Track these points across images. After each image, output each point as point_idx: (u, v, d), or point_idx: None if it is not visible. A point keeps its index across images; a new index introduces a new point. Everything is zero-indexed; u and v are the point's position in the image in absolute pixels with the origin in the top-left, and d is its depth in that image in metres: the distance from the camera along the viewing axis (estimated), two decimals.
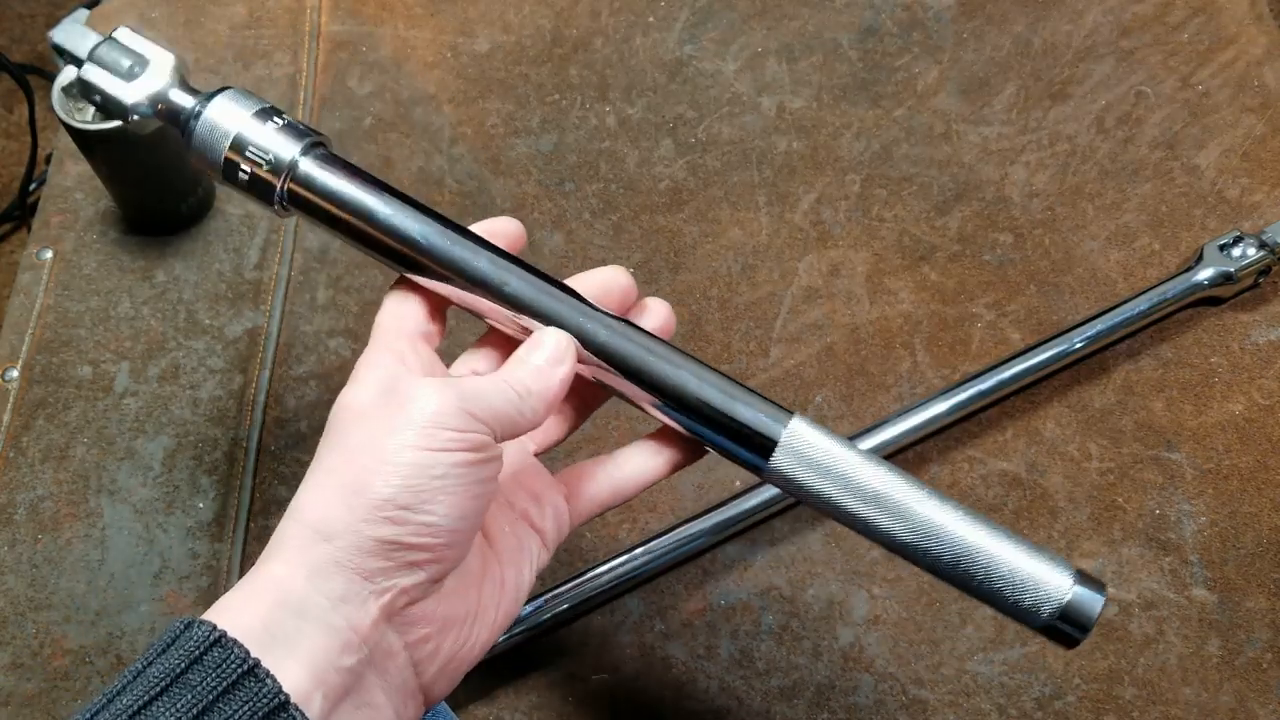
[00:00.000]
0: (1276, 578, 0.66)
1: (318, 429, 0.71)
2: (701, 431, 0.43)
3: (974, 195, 0.80)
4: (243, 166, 0.42)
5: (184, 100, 0.44)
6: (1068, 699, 0.63)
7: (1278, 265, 0.74)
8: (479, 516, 0.37)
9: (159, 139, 0.70)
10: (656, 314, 0.46)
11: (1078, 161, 0.81)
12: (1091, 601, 0.40)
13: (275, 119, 0.42)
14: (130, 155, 0.70)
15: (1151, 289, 0.73)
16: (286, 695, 0.31)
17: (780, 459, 0.42)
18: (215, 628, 0.32)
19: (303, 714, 0.31)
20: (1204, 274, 0.73)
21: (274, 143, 0.42)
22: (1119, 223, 0.78)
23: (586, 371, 0.44)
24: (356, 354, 0.75)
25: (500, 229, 0.45)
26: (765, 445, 0.42)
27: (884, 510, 0.41)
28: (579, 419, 0.48)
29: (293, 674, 0.32)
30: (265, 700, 0.31)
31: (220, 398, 0.72)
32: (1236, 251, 0.73)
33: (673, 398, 0.43)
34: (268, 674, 0.32)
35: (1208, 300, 0.74)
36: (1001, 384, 0.70)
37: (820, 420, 0.72)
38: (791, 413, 0.43)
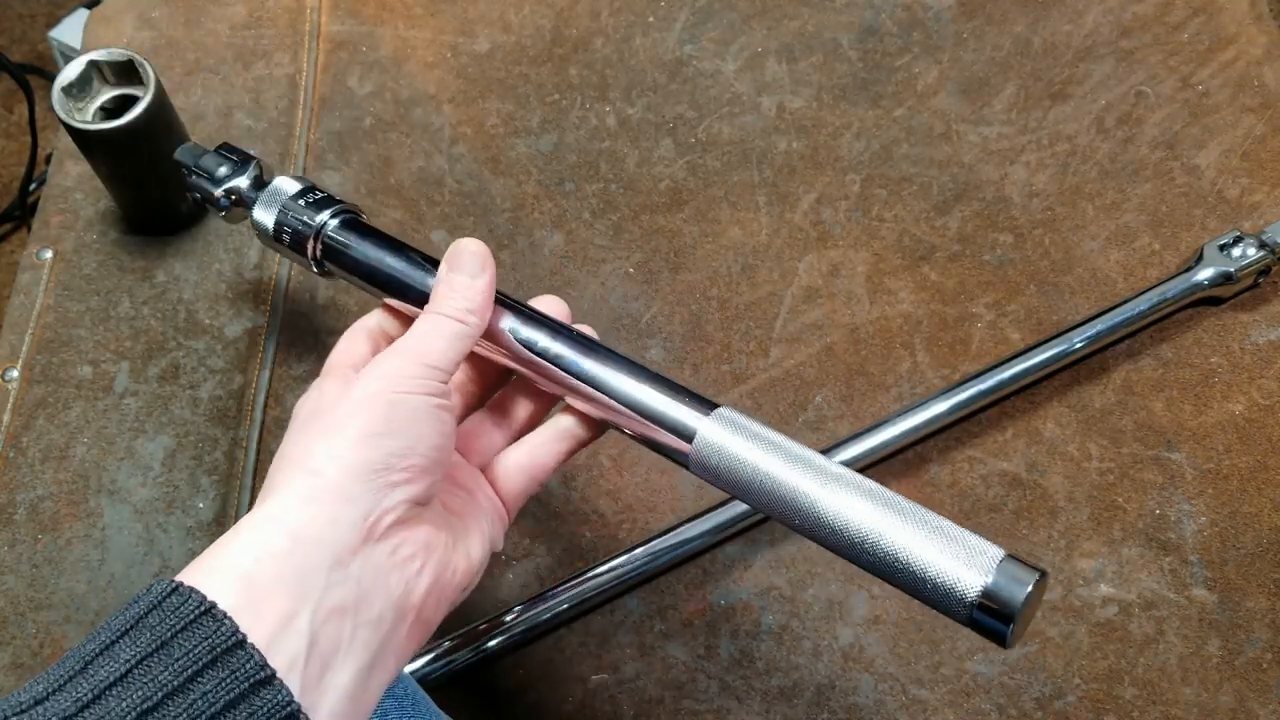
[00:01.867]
0: (1276, 578, 0.66)
1: None
2: (633, 430, 0.47)
3: (974, 195, 0.80)
4: (284, 236, 0.53)
5: (249, 191, 0.59)
6: (1068, 699, 0.63)
7: (1278, 265, 0.74)
8: (446, 453, 0.41)
9: (159, 139, 0.70)
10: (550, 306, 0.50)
11: (1078, 161, 0.81)
12: (1013, 587, 0.36)
13: (313, 194, 0.53)
14: (130, 155, 0.70)
15: (1151, 289, 0.73)
16: (244, 635, 0.33)
17: (700, 447, 0.44)
18: (172, 582, 0.34)
19: (258, 651, 0.32)
20: (1204, 274, 0.73)
21: (306, 213, 0.52)
22: (1119, 223, 0.78)
23: (527, 371, 0.48)
24: None
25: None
26: (685, 435, 0.45)
27: (802, 495, 0.41)
28: (484, 397, 0.52)
29: (280, 598, 0.34)
30: (224, 638, 0.32)
31: (220, 398, 0.72)
32: (1236, 251, 0.73)
33: (603, 392, 0.46)
34: (223, 614, 0.33)
35: (1208, 300, 0.74)
36: (1001, 384, 0.70)
37: (820, 420, 0.72)
38: (715, 405, 0.45)
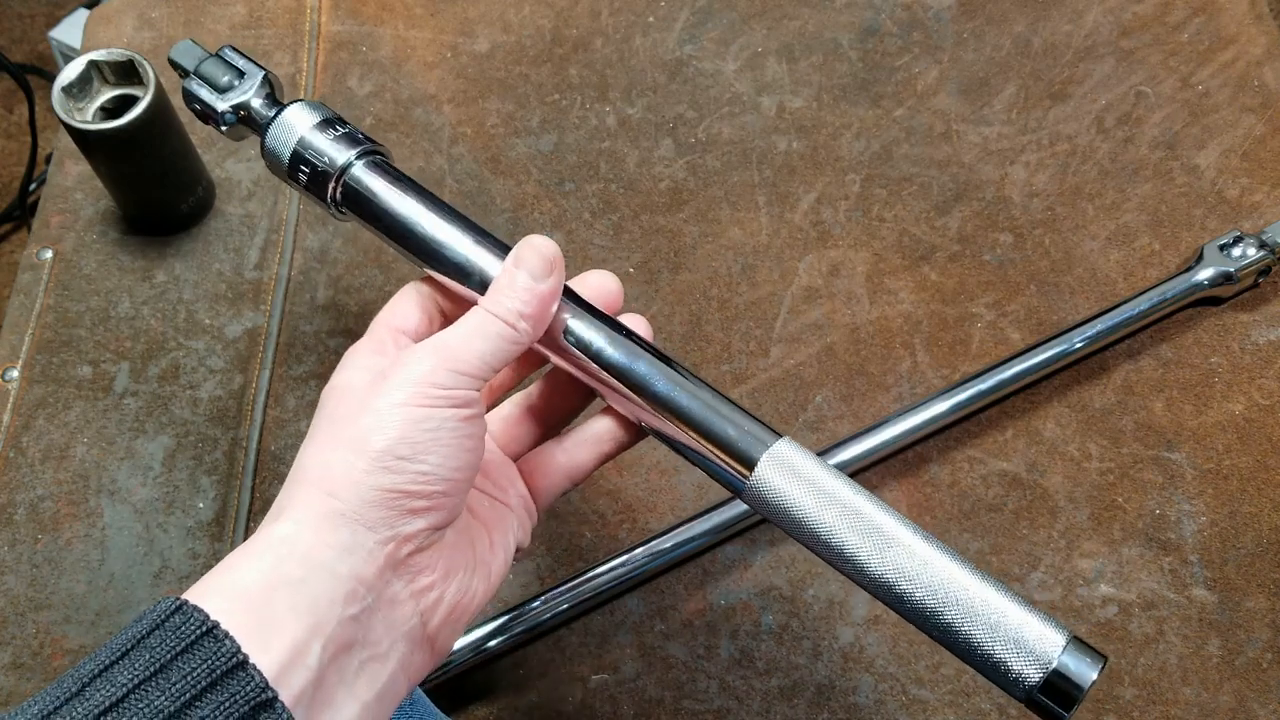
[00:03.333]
0: (1276, 578, 0.66)
1: None
2: (684, 449, 0.44)
3: (974, 195, 0.80)
4: (302, 169, 0.46)
5: (262, 109, 0.49)
6: None
7: (1278, 265, 0.74)
8: (472, 469, 0.39)
9: (158, 139, 0.70)
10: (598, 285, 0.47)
11: (1078, 161, 0.81)
12: (1082, 671, 0.36)
13: (337, 127, 0.47)
14: (130, 155, 0.70)
15: (1151, 289, 0.73)
16: (245, 656, 0.32)
17: (759, 480, 0.41)
18: (176, 599, 0.33)
19: (260, 673, 0.32)
20: (1204, 274, 0.73)
21: (330, 148, 0.46)
22: (1119, 223, 0.78)
23: (578, 372, 0.45)
24: None
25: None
26: (747, 463, 0.42)
27: (862, 540, 0.39)
28: (526, 373, 0.50)
29: (292, 628, 0.33)
30: (224, 660, 0.32)
31: (220, 398, 0.72)
32: (1236, 251, 0.73)
33: (665, 409, 0.43)
34: (225, 634, 0.32)
35: (1208, 300, 0.74)
36: (1001, 384, 0.70)
37: (820, 420, 0.72)
38: (779, 435, 0.42)
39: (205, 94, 0.50)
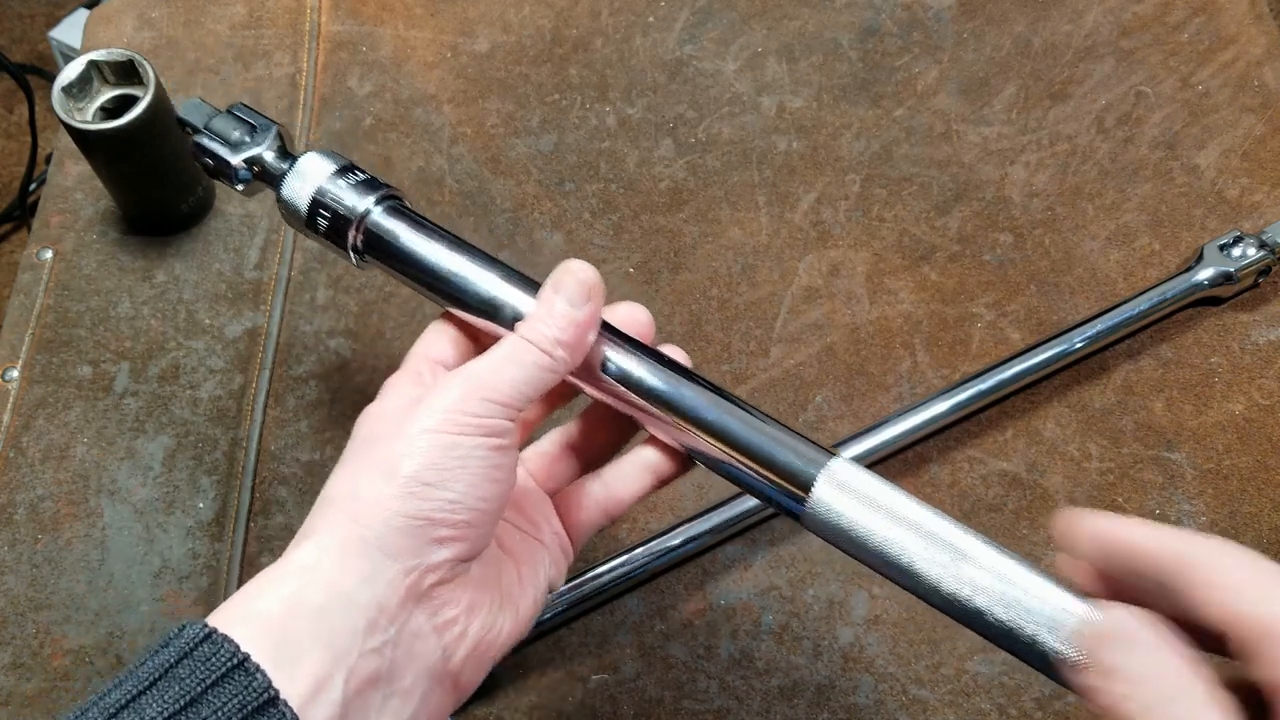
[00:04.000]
0: None
1: (318, 429, 0.71)
2: (739, 474, 0.43)
3: (974, 195, 0.80)
4: (321, 216, 0.46)
5: (276, 162, 0.49)
6: (1068, 699, 0.63)
7: (1278, 265, 0.74)
8: (500, 501, 0.38)
9: (159, 139, 0.70)
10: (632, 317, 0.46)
11: (1078, 161, 0.81)
12: None
13: (353, 174, 0.47)
14: (130, 155, 0.70)
15: (1151, 289, 0.73)
16: (276, 691, 0.31)
17: (817, 501, 0.40)
18: (205, 626, 0.32)
19: (291, 709, 0.31)
20: (1204, 274, 0.73)
21: (348, 196, 0.46)
22: (1119, 223, 0.78)
23: (618, 403, 0.44)
24: (357, 354, 0.75)
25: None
26: (802, 485, 0.40)
27: (934, 557, 0.38)
28: (556, 405, 0.49)
29: (313, 659, 0.32)
30: (255, 695, 0.31)
31: (220, 398, 0.72)
32: (1236, 251, 0.73)
33: (712, 434, 0.42)
34: (257, 667, 0.31)
35: (1208, 300, 0.74)
36: (1001, 384, 0.70)
37: (820, 420, 0.72)
38: (833, 453, 0.41)
39: (218, 148, 0.49)
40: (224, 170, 0.50)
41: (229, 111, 0.51)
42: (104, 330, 0.74)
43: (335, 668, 0.33)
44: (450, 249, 0.45)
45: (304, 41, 0.86)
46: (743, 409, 0.43)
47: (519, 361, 0.39)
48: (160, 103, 0.69)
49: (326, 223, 0.46)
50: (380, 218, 0.46)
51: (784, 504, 0.41)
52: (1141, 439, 0.70)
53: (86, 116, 0.70)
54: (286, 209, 0.47)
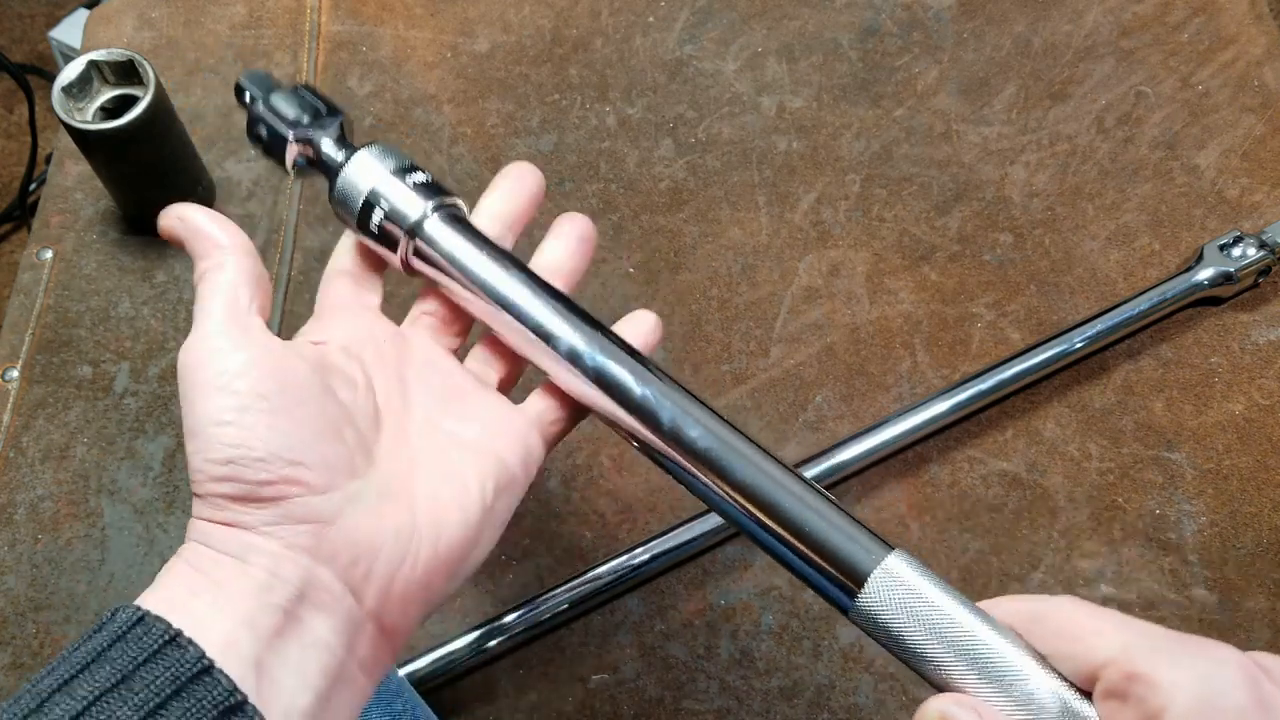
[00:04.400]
0: (1276, 578, 0.66)
1: None
2: (784, 555, 0.39)
3: (974, 195, 0.80)
4: (374, 221, 0.43)
5: (333, 153, 0.45)
6: None
7: (1278, 265, 0.74)
8: (315, 420, 0.36)
9: (159, 139, 0.70)
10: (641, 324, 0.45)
11: (1078, 161, 0.81)
12: None
13: (414, 175, 0.43)
14: (131, 155, 0.70)
15: (1151, 289, 0.73)
16: (211, 660, 0.31)
17: (868, 599, 0.36)
18: (138, 609, 0.32)
19: (227, 677, 0.31)
20: (1204, 274, 0.73)
21: (403, 200, 0.42)
22: (1119, 223, 0.78)
23: (660, 448, 0.41)
24: None
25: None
26: (854, 580, 0.37)
27: (984, 682, 0.36)
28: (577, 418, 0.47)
29: (218, 626, 0.32)
30: (189, 665, 0.31)
31: None
32: (1236, 251, 0.73)
33: (768, 514, 0.39)
34: (189, 641, 0.31)
35: (1208, 300, 0.74)
36: (1001, 384, 0.70)
37: (820, 420, 0.72)
38: (891, 548, 0.37)
39: (277, 123, 0.45)
40: (277, 148, 0.46)
41: (294, 90, 0.46)
42: (104, 330, 0.74)
43: (240, 629, 0.32)
44: (502, 268, 0.43)
45: (304, 41, 0.86)
46: (803, 487, 0.39)
47: (220, 274, 0.39)
48: (160, 103, 0.69)
49: (379, 223, 0.43)
50: (434, 227, 0.42)
51: (832, 596, 0.38)
52: (1141, 439, 0.70)
53: (86, 116, 0.70)
54: (342, 203, 0.44)
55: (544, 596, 0.64)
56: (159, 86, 0.69)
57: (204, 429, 0.34)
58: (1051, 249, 0.77)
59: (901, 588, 0.36)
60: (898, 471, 0.70)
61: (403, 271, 0.44)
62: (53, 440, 0.70)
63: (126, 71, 0.70)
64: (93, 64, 0.69)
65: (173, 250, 0.77)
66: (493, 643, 0.63)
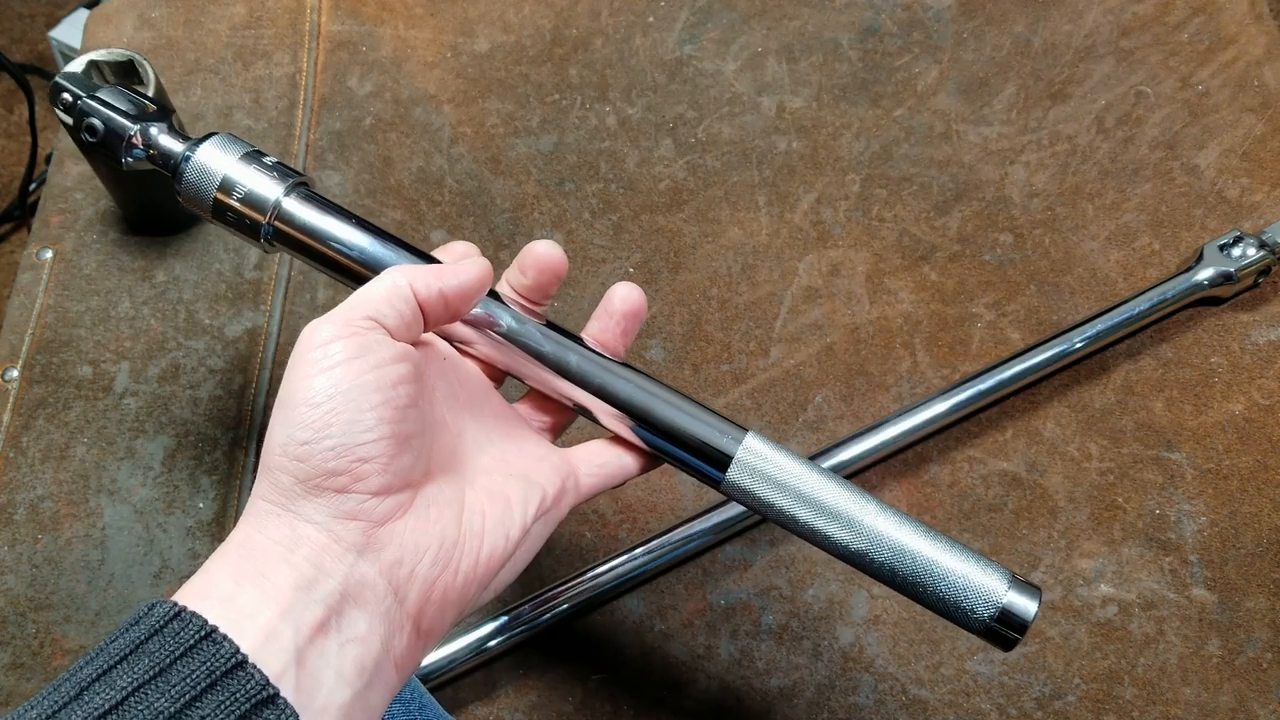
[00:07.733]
0: (1276, 578, 0.66)
1: None
2: (666, 449, 0.46)
3: (974, 195, 0.80)
4: (230, 207, 0.45)
5: (174, 145, 0.47)
6: (1068, 699, 0.63)
7: (1278, 265, 0.74)
8: (396, 426, 0.37)
9: None
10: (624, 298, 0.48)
11: (1078, 161, 0.81)
12: (1025, 605, 0.42)
13: (261, 160, 0.46)
14: None
15: (1151, 289, 0.73)
16: (245, 655, 0.32)
17: (735, 474, 0.44)
18: (175, 604, 0.33)
19: (260, 671, 0.32)
20: (1204, 274, 0.73)
21: (259, 184, 0.45)
22: (1119, 223, 0.78)
23: (565, 399, 0.47)
24: None
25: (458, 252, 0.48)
26: (721, 461, 0.45)
27: (835, 521, 0.43)
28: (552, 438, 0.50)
29: (260, 617, 0.33)
30: (223, 660, 0.32)
31: (220, 398, 0.72)
32: (1236, 251, 0.73)
33: (641, 419, 0.45)
34: (224, 637, 0.32)
35: (1208, 300, 0.74)
36: (1001, 384, 0.70)
37: (820, 420, 0.72)
38: (745, 429, 0.45)
39: (112, 115, 0.46)
40: (113, 142, 0.46)
41: (116, 88, 0.48)
42: (104, 330, 0.74)
43: (281, 620, 0.33)
44: (362, 231, 0.45)
45: (304, 41, 0.86)
46: (664, 389, 0.46)
47: (376, 283, 0.40)
48: (160, 102, 0.69)
49: (234, 210, 0.45)
50: (293, 206, 0.45)
51: (706, 475, 0.45)
52: (1141, 439, 0.70)
53: None
54: (191, 194, 0.45)
55: (544, 596, 0.64)
56: (159, 86, 0.69)
57: (295, 405, 0.36)
58: (1051, 249, 0.77)
59: (757, 458, 0.44)
60: (898, 471, 0.70)
61: (264, 251, 0.46)
62: (53, 440, 0.70)
63: (126, 71, 0.70)
64: (93, 64, 0.69)
65: (173, 250, 0.78)
66: (493, 643, 0.63)
